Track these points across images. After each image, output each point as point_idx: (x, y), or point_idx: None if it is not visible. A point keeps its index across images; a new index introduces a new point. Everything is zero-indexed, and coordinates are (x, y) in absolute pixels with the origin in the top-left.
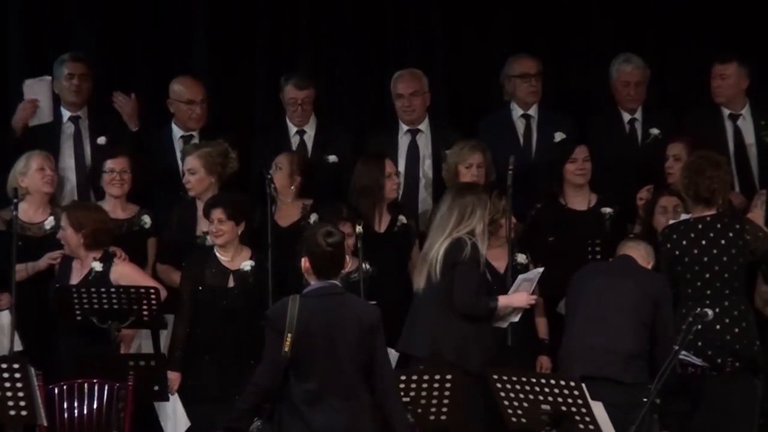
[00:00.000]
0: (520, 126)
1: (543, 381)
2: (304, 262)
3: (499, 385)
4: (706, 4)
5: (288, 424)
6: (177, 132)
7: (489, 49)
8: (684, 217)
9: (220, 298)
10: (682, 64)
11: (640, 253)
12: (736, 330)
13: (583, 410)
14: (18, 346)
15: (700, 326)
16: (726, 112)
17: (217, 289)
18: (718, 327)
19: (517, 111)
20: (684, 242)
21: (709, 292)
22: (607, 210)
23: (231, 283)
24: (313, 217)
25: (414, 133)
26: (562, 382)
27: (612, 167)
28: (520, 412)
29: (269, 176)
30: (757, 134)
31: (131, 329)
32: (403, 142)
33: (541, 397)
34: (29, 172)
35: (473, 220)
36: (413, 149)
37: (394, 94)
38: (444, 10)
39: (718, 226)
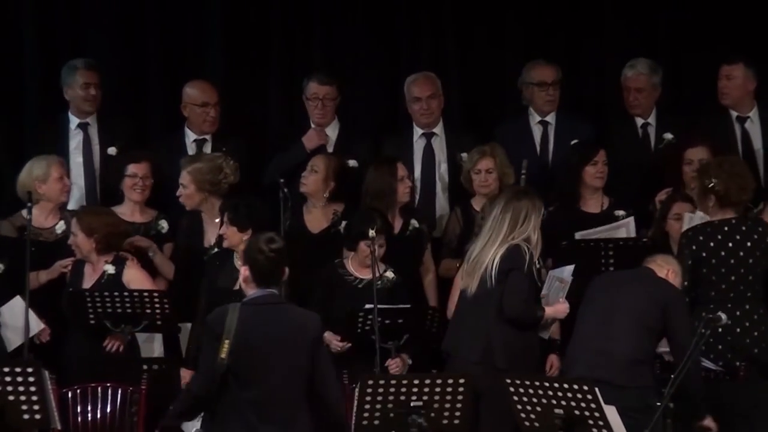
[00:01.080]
0: (537, 132)
1: (556, 385)
2: (244, 271)
3: (512, 389)
4: (719, 9)
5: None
6: (191, 136)
7: (503, 53)
8: (698, 216)
9: (227, 300)
10: (696, 69)
11: (658, 264)
12: (756, 333)
13: (597, 414)
14: (36, 327)
15: (711, 330)
16: (734, 114)
17: (225, 291)
18: (738, 330)
19: (534, 117)
20: (711, 244)
21: (732, 294)
22: (620, 213)
23: (237, 286)
24: (344, 225)
25: (429, 136)
26: (576, 387)
27: (625, 172)
28: (533, 416)
29: (282, 181)
30: (765, 137)
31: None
32: (418, 146)
33: (554, 402)
34: (49, 180)
35: (528, 227)
36: (428, 153)
37: (411, 97)
38: (457, 14)
39: (743, 228)
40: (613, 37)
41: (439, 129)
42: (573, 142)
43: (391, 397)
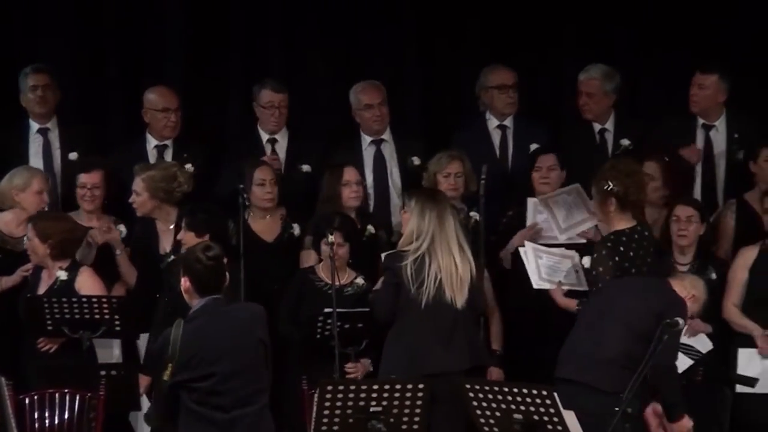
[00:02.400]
0: (496, 137)
1: (515, 391)
2: (184, 282)
3: (471, 395)
4: (681, 15)
5: None
6: (152, 141)
7: (460, 58)
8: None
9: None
10: (655, 75)
11: (683, 284)
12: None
13: (555, 419)
14: None
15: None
16: (700, 121)
17: (180, 297)
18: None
19: (493, 121)
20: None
21: None
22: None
23: None
24: (296, 229)
25: (378, 143)
26: (535, 392)
27: (582, 177)
28: (492, 421)
29: (242, 187)
30: (729, 147)
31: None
32: (368, 153)
33: (513, 407)
34: (28, 190)
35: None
36: (379, 160)
37: (361, 105)
38: (417, 19)
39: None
40: (574, 43)
41: (387, 135)
42: (532, 147)
43: (350, 403)
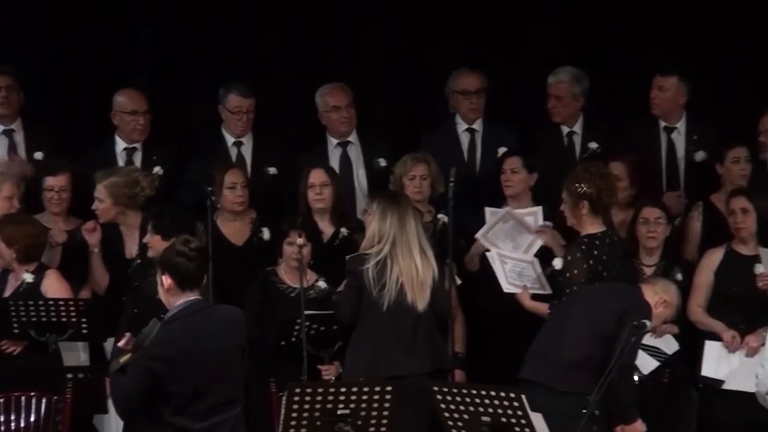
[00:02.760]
0: (464, 140)
1: (483, 393)
2: (165, 280)
3: (439, 397)
4: (647, 19)
5: None
6: (121, 144)
7: (428, 59)
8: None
9: (153, 307)
10: (623, 78)
11: (654, 289)
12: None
13: (523, 422)
14: None
15: (637, 337)
16: (662, 124)
17: (151, 299)
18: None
19: (461, 125)
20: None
21: None
22: (548, 224)
23: None
24: (266, 233)
25: (344, 145)
26: (503, 394)
27: (551, 180)
28: (460, 423)
29: (210, 189)
30: (686, 148)
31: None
32: (334, 155)
33: (481, 409)
34: None
35: None
36: (345, 161)
37: (328, 107)
38: (384, 21)
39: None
40: (543, 46)
41: (353, 137)
42: (500, 154)
43: (318, 405)
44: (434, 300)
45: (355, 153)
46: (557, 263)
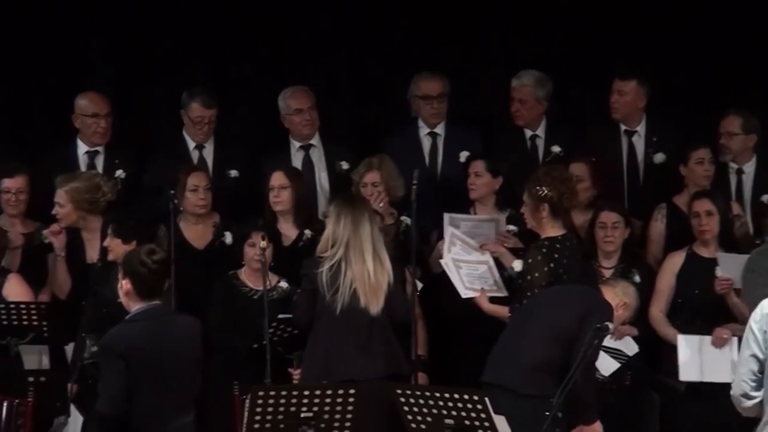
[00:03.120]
0: (426, 143)
1: (447, 396)
2: (125, 284)
3: (402, 400)
4: (609, 21)
5: None
6: (83, 147)
7: (391, 63)
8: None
9: (112, 310)
10: (586, 81)
11: (614, 291)
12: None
13: (486, 424)
14: None
15: (599, 340)
16: (622, 127)
17: (110, 303)
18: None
19: (424, 128)
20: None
21: None
22: (512, 228)
23: None
24: (228, 237)
25: (306, 148)
26: (466, 397)
27: (514, 183)
28: (423, 426)
29: (172, 192)
30: (645, 150)
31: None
32: (297, 158)
33: (444, 412)
34: None
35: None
36: (308, 165)
37: (291, 110)
38: (347, 24)
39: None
40: (506, 49)
41: (316, 140)
42: (462, 159)
43: (281, 408)
44: (390, 304)
45: (318, 156)
46: (517, 266)
